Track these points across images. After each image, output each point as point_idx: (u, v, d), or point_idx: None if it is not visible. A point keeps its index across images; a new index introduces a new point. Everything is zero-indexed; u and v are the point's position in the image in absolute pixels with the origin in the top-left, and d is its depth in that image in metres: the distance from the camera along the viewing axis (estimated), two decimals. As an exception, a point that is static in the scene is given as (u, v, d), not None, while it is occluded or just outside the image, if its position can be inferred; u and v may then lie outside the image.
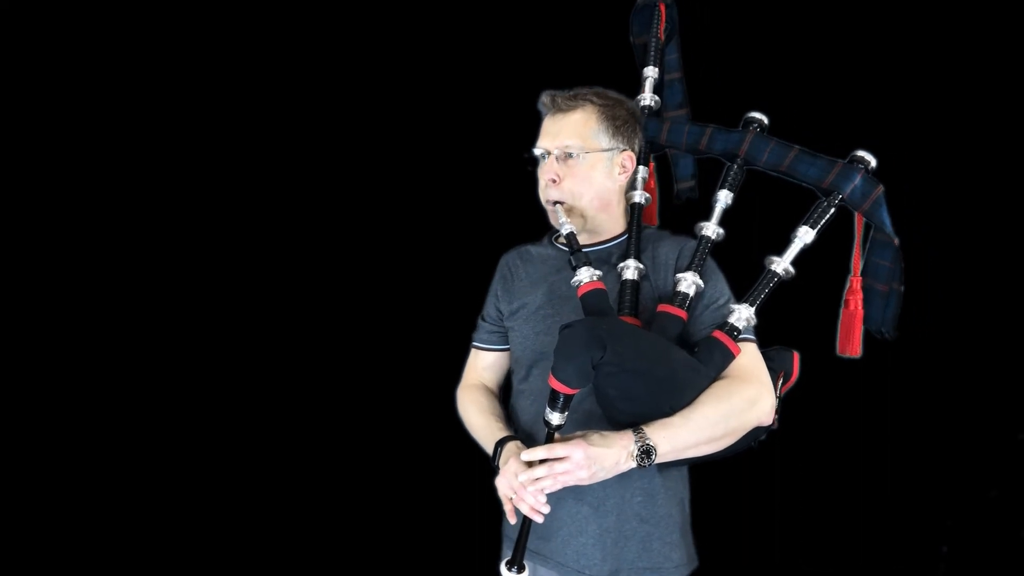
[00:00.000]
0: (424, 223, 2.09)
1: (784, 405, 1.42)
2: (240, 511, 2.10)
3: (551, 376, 1.10)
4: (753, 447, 1.37)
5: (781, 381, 1.38)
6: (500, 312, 1.43)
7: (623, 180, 1.39)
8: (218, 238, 2.11)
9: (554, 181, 1.33)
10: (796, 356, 1.42)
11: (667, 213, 1.59)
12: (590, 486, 1.23)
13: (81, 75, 2.04)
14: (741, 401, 1.19)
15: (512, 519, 1.21)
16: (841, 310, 1.36)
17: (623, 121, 1.37)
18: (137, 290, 2.09)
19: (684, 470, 1.37)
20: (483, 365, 1.48)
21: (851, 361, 1.41)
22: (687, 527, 1.35)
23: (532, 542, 1.27)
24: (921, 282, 1.77)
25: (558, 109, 1.36)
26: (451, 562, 1.96)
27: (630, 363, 1.10)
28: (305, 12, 2.09)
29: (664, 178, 1.60)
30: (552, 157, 1.35)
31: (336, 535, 2.12)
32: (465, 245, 1.97)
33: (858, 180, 1.29)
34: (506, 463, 1.20)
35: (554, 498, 1.24)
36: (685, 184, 1.63)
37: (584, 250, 1.36)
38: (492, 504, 1.26)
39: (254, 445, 2.10)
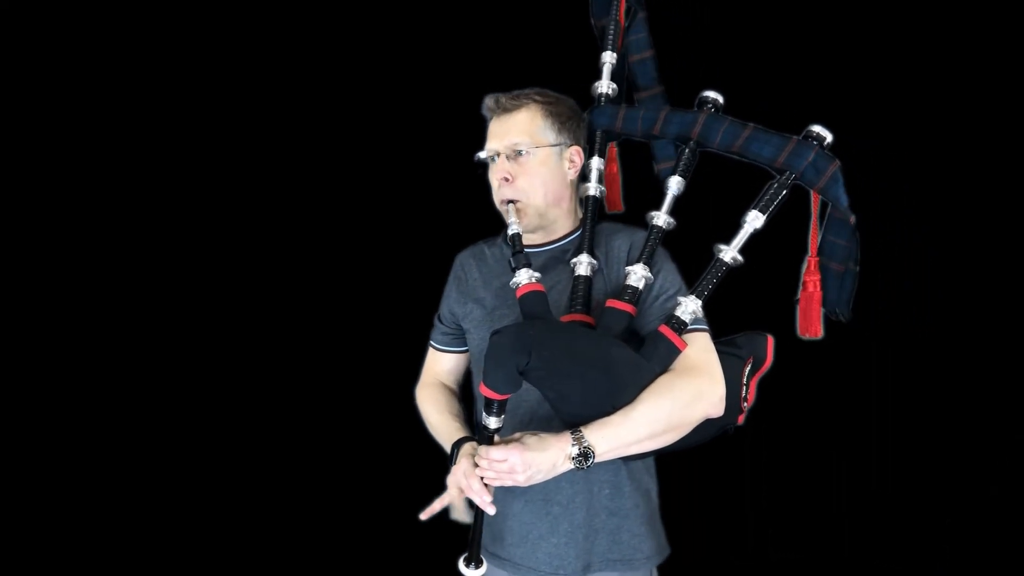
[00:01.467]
0: (385, 217, 2.09)
1: (760, 391, 1.39)
2: (211, 510, 2.12)
3: (482, 383, 1.12)
4: (728, 431, 1.35)
5: (750, 367, 1.34)
6: (454, 314, 1.43)
7: (573, 175, 1.38)
8: (178, 240, 2.12)
9: (507, 180, 1.33)
10: (770, 340, 1.38)
11: (632, 198, 1.56)
12: (557, 487, 1.25)
13: (80, 75, 2.07)
14: (684, 395, 1.17)
15: (425, 515, 1.26)
16: (799, 292, 1.30)
17: (567, 117, 1.37)
18: (98, 291, 2.12)
19: (650, 461, 1.37)
20: (440, 368, 1.49)
21: (840, 356, 1.37)
22: (655, 517, 1.36)
23: (504, 549, 1.31)
24: (921, 282, 1.81)
25: (503, 110, 1.36)
26: (415, 560, 1.96)
27: (561, 367, 1.10)
28: (254, 17, 2.09)
29: (630, 161, 1.55)
30: (502, 157, 1.34)
31: (299, 532, 2.13)
32: (425, 239, 1.96)
33: (812, 156, 1.23)
34: (458, 463, 1.24)
35: (522, 502, 1.28)
36: (666, 164, 1.57)
37: (540, 249, 1.38)
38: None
39: (215, 442, 2.12)
